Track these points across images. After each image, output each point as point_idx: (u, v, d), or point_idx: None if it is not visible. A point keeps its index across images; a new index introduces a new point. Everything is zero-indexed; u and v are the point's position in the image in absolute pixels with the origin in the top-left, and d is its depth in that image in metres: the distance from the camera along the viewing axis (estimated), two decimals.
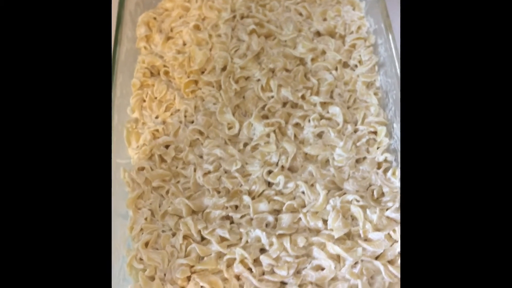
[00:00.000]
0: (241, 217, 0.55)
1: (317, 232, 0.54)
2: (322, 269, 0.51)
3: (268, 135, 0.60)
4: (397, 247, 0.52)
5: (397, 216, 0.53)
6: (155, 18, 0.72)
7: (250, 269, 0.51)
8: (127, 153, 0.61)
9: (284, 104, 0.64)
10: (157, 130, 0.62)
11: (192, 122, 0.63)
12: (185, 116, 0.63)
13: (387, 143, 0.59)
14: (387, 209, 0.54)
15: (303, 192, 0.56)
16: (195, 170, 0.58)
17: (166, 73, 0.67)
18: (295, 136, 0.61)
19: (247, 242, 0.53)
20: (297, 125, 0.63)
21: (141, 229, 0.54)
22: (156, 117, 0.64)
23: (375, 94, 0.64)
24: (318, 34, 0.71)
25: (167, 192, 0.58)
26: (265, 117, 0.63)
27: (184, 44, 0.70)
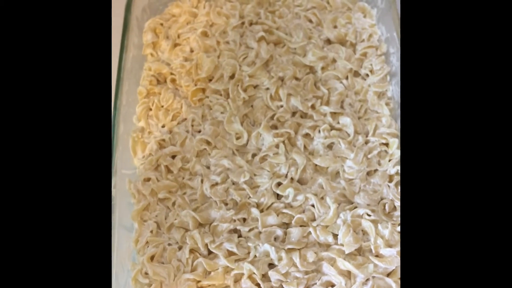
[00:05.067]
0: (249, 230, 0.54)
1: (327, 247, 0.53)
2: (332, 285, 0.50)
3: (277, 146, 0.59)
4: None
5: None
6: (162, 24, 0.71)
7: (258, 285, 0.49)
8: (133, 163, 0.60)
9: (294, 114, 0.63)
10: (164, 140, 0.61)
11: (199, 131, 0.62)
12: (192, 125, 0.62)
13: (399, 156, 0.58)
14: (399, 224, 0.53)
15: (312, 205, 0.55)
16: (202, 181, 0.57)
17: (173, 81, 0.66)
18: (304, 147, 0.60)
19: (255, 256, 0.51)
20: (306, 135, 0.61)
21: (147, 242, 0.53)
22: (163, 126, 0.63)
23: (387, 104, 0.63)
24: (328, 42, 0.70)
25: (174, 204, 0.56)
26: (274, 127, 0.61)
27: (192, 51, 0.69)
